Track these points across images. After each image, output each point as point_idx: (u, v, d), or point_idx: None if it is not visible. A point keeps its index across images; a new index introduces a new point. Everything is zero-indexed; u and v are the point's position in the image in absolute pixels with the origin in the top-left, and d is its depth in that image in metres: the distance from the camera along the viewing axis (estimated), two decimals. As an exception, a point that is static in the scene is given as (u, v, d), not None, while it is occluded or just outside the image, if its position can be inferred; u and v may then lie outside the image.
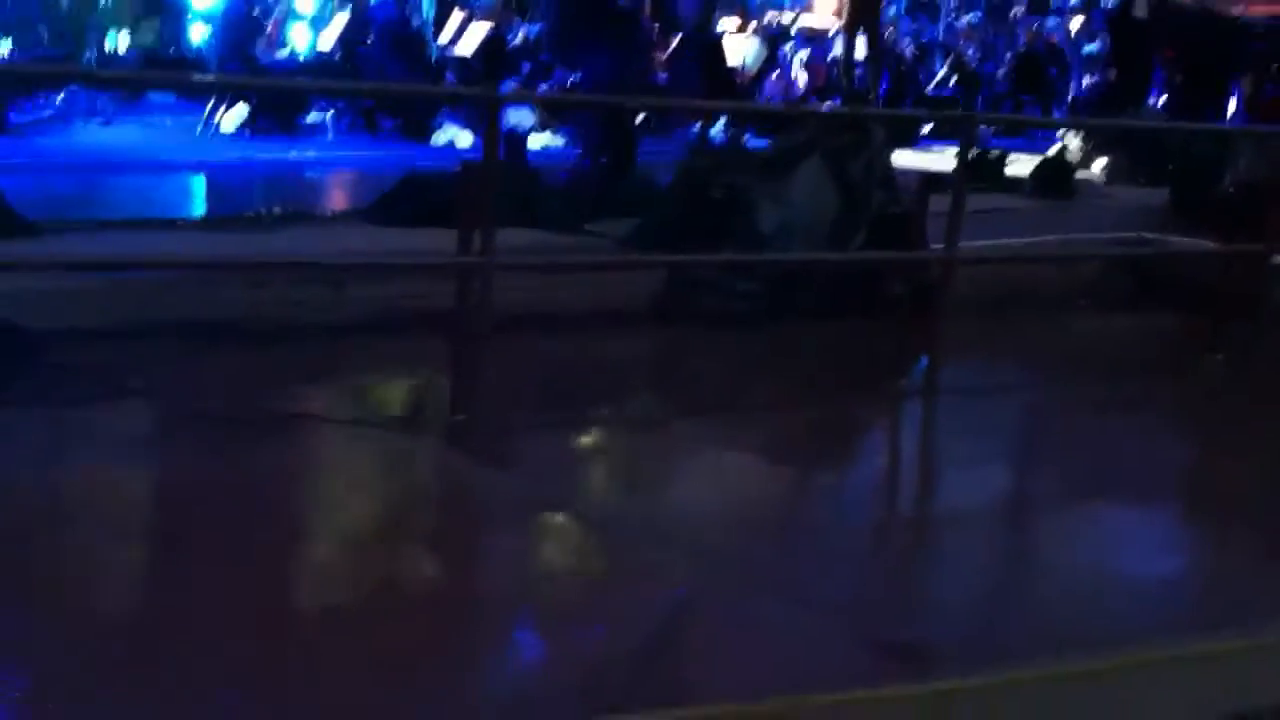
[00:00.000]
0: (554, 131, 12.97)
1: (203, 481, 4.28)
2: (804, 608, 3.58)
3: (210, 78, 12.59)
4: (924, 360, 5.98)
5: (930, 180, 7.20)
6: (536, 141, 11.94)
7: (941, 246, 6.15)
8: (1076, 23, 17.59)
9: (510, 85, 12.12)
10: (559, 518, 4.27)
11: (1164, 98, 13.99)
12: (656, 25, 14.43)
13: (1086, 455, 5.18)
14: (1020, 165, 11.06)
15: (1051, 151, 11.32)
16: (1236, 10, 15.92)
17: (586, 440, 5.14)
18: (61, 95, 12.85)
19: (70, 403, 4.85)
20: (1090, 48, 16.50)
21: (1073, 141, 12.36)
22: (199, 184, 9.98)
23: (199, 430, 4.74)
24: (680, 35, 14.65)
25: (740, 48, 14.99)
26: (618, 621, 3.44)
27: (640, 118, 13.03)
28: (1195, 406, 6.07)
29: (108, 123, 12.21)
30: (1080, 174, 11.20)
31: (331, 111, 13.07)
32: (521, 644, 3.47)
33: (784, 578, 3.70)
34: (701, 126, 14.19)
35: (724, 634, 3.40)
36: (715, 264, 6.76)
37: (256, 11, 13.69)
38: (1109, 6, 15.90)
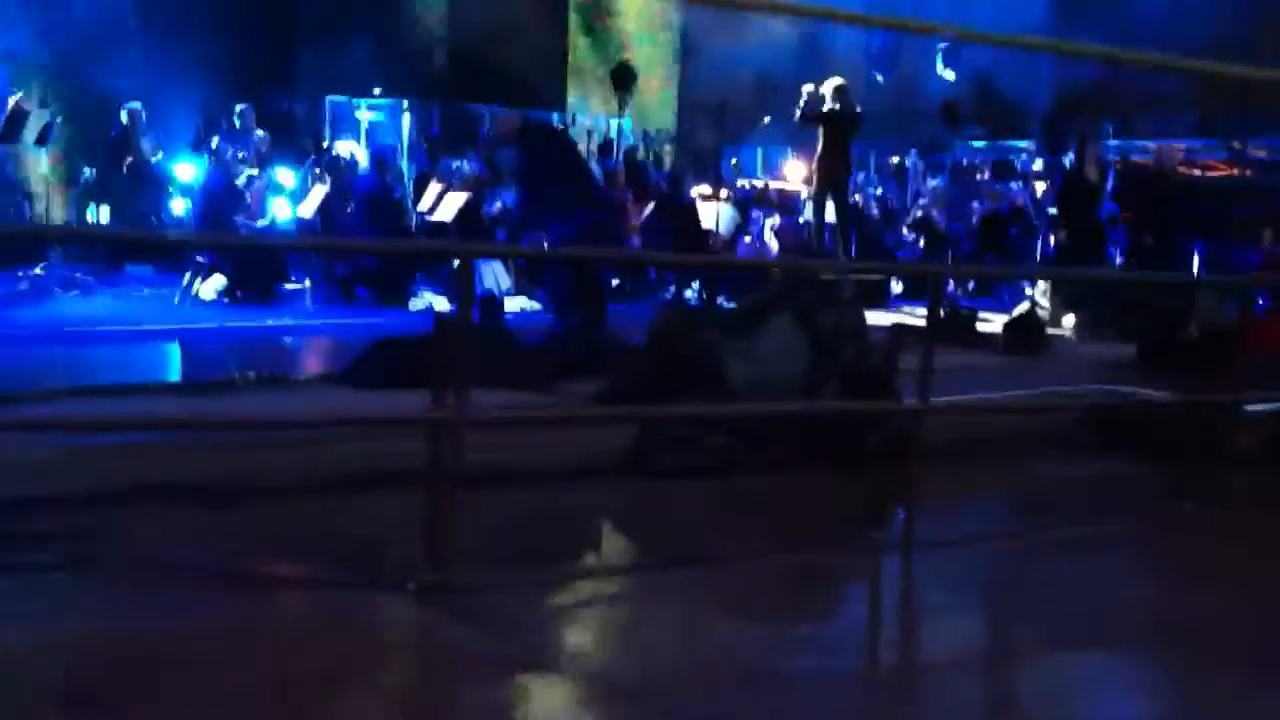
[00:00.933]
0: (529, 296, 13.14)
1: (165, 643, 4.23)
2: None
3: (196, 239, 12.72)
4: (896, 510, 5.99)
5: (901, 331, 7.28)
6: (512, 305, 12.10)
7: (914, 400, 6.19)
8: (1039, 186, 18.05)
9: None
10: (531, 676, 4.20)
11: (1124, 257, 14.32)
12: (630, 191, 14.78)
13: (1063, 601, 5.15)
14: (990, 325, 11.24)
15: (1021, 309, 11.49)
16: (1193, 170, 16.40)
17: (558, 596, 5.09)
18: (38, 268, 12.99)
19: (27, 569, 4.80)
20: (1053, 209, 16.88)
21: (1041, 299, 12.59)
22: (175, 351, 10.01)
23: (163, 591, 4.70)
24: (653, 201, 14.95)
25: (712, 212, 15.29)
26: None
27: (615, 282, 13.28)
28: (1166, 550, 6.07)
29: (86, 294, 12.31)
30: (1050, 330, 11.40)
31: (308, 281, 13.22)
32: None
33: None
34: (675, 289, 14.40)
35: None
36: (684, 418, 6.78)
37: (239, 182, 13.90)
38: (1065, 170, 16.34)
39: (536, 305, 13.12)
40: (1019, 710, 4.29)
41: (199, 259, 12.83)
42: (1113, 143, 18.51)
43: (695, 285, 14.47)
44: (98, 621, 4.46)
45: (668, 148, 20.31)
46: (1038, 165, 18.84)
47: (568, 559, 5.58)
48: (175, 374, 9.08)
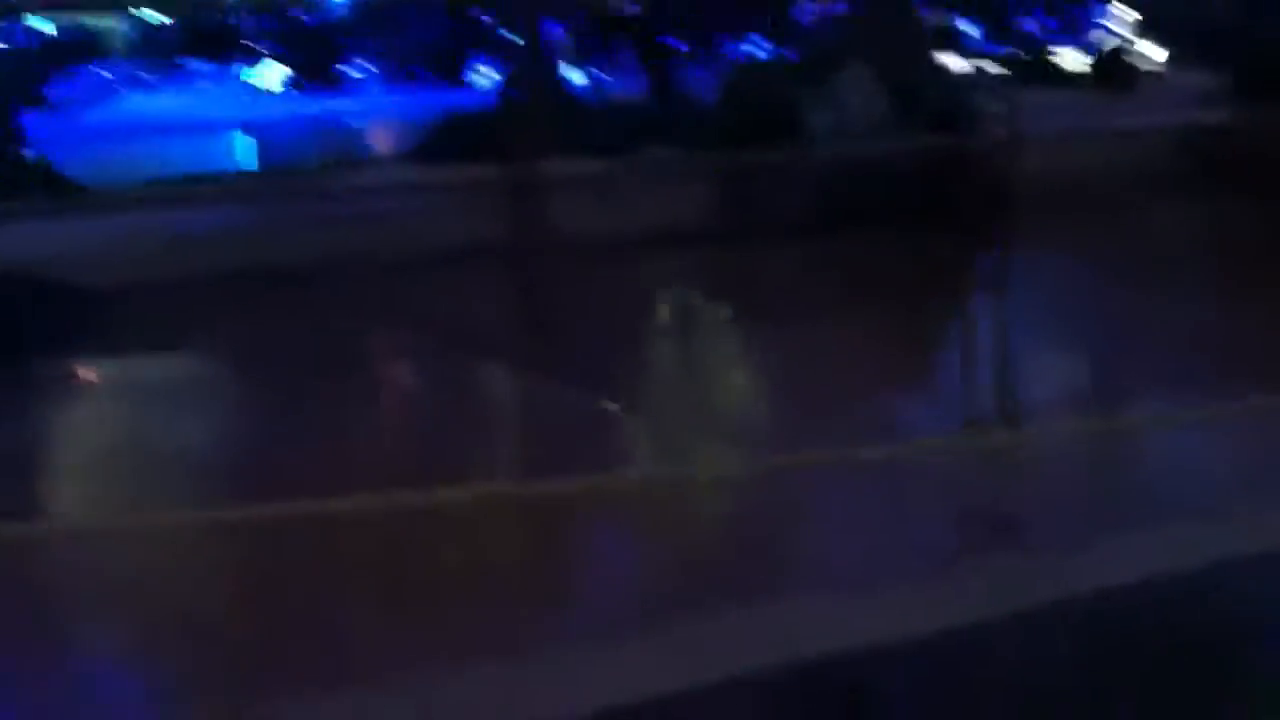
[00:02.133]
0: (592, 65, 12.82)
1: (273, 416, 4.28)
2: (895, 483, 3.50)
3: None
4: (989, 256, 5.81)
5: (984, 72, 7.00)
6: (578, 76, 11.83)
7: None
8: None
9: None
10: (633, 427, 4.19)
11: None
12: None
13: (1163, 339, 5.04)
14: (1073, 62, 10.83)
15: (1109, 46, 11.04)
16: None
17: (656, 352, 5.06)
18: (102, 69, 12.89)
19: (134, 349, 4.84)
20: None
21: (1128, 33, 12.08)
22: (246, 142, 9.94)
23: (264, 373, 4.73)
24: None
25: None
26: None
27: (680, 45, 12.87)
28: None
29: (150, 91, 12.22)
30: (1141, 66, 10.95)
31: (369, 64, 13.00)
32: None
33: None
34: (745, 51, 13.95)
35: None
36: (770, 174, 6.61)
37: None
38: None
39: (604, 76, 12.82)
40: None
41: (257, 48, 12.67)
42: None
43: (763, 45, 14.01)
44: (203, 401, 4.52)
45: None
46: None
47: (658, 318, 5.49)
48: (252, 163, 9.02)
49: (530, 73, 5.13)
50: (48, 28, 12.81)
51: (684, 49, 12.76)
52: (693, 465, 3.81)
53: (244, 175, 7.86)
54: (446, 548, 3.16)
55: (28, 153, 7.05)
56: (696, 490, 3.58)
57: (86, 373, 4.74)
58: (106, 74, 12.76)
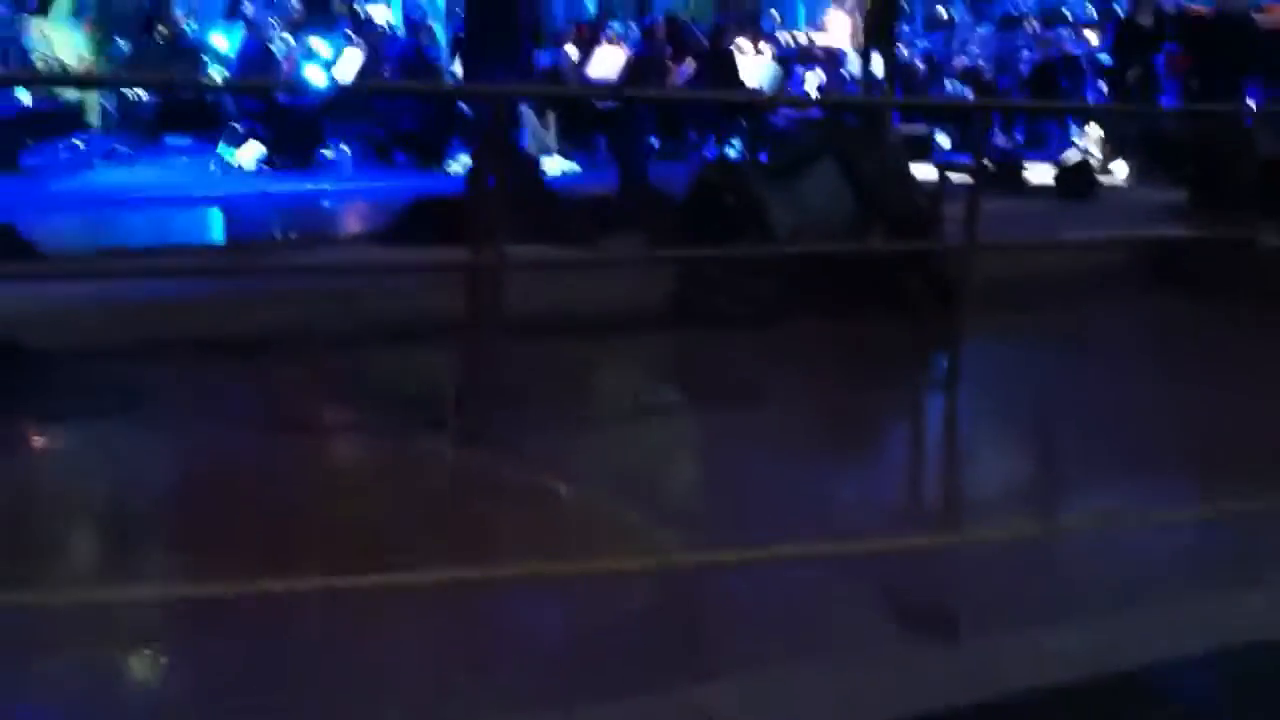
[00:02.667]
0: (567, 157, 12.99)
1: (217, 486, 4.28)
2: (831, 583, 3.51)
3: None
4: (942, 351, 5.89)
5: (947, 174, 7.10)
6: (551, 166, 11.96)
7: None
8: (1090, 34, 17.53)
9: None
10: (571, 505, 4.20)
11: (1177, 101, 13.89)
12: (670, 47, 14.49)
13: (1110, 436, 5.09)
14: (1039, 174, 11.02)
15: (1071, 155, 11.25)
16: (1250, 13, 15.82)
17: (597, 433, 5.07)
18: (79, 140, 12.95)
19: (85, 415, 4.84)
20: (1106, 57, 16.41)
21: (1093, 148, 12.32)
22: (215, 215, 10.00)
23: (211, 436, 4.74)
24: (693, 57, 14.65)
25: (754, 68, 14.97)
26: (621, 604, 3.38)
27: (655, 142, 13.09)
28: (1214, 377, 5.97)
29: (125, 164, 12.29)
30: (1101, 178, 11.16)
31: (345, 146, 13.12)
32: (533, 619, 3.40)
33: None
34: (716, 148, 14.18)
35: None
36: (726, 264, 6.69)
37: (271, 49, 13.73)
38: (1121, 16, 15.83)
39: (576, 167, 12.99)
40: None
41: (236, 127, 12.76)
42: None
43: (735, 144, 14.25)
44: (152, 463, 4.52)
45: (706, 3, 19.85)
46: (1090, 13, 18.31)
47: (606, 402, 5.56)
48: (219, 236, 9.07)
49: (501, 160, 5.19)
50: (26, 98, 12.87)
51: (656, 144, 12.98)
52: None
53: (210, 248, 7.88)
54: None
55: (-7, 217, 7.07)
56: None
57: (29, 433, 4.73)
58: (82, 145, 12.80)
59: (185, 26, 15.27)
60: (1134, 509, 4.32)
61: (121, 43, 15.72)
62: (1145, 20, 14.18)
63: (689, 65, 14.67)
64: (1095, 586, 3.67)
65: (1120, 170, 11.69)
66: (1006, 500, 4.58)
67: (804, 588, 3.55)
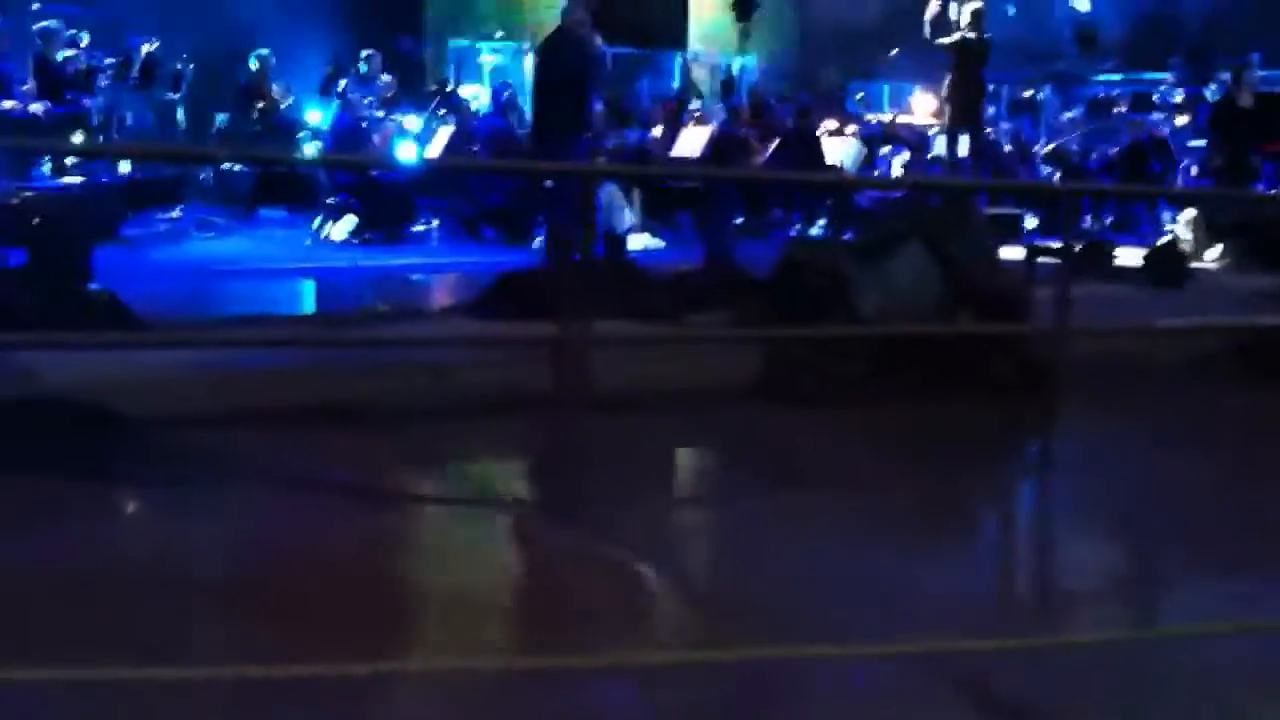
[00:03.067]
0: (653, 234, 13.09)
1: (312, 553, 4.32)
2: (909, 673, 3.45)
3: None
4: (1028, 438, 5.82)
5: (1036, 255, 7.03)
6: (636, 243, 12.05)
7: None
8: (1181, 118, 17.39)
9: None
10: (654, 590, 4.18)
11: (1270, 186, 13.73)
12: (755, 129, 14.60)
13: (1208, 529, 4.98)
14: (1130, 258, 10.89)
15: (1163, 240, 11.10)
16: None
17: (683, 515, 5.05)
18: (176, 211, 13.30)
19: (179, 483, 4.93)
20: (1196, 142, 16.27)
21: (1185, 232, 12.15)
22: (309, 287, 10.18)
23: (308, 507, 4.80)
24: (778, 138, 14.75)
25: (838, 149, 15.02)
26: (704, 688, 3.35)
27: (740, 220, 13.16)
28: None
29: (221, 236, 12.58)
30: (1194, 264, 10.99)
31: (436, 221, 13.34)
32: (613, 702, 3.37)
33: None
34: (801, 228, 14.23)
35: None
36: (813, 343, 6.67)
37: (364, 125, 14.03)
38: (1214, 100, 15.72)
39: (661, 243, 13.08)
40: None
41: (330, 201, 13.03)
42: (1260, 73, 17.75)
43: (821, 223, 14.28)
44: (242, 530, 4.58)
45: (790, 84, 20.00)
46: (1178, 97, 18.16)
47: (692, 482, 5.55)
48: (310, 307, 9.23)
49: (587, 236, 5.26)
50: (126, 169, 13.25)
51: (740, 220, 13.04)
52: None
53: (303, 319, 8.01)
54: None
55: (94, 286, 7.26)
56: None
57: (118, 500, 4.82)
58: (179, 215, 13.14)
59: (282, 101, 15.67)
60: (1227, 611, 4.20)
61: (220, 116, 16.19)
62: (1238, 103, 14.07)
63: (773, 144, 14.77)
64: (1188, 695, 3.57)
65: (1213, 256, 11.51)
66: (1097, 598, 4.48)
67: (886, 686, 3.48)
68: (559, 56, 9.48)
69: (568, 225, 8.39)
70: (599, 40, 9.65)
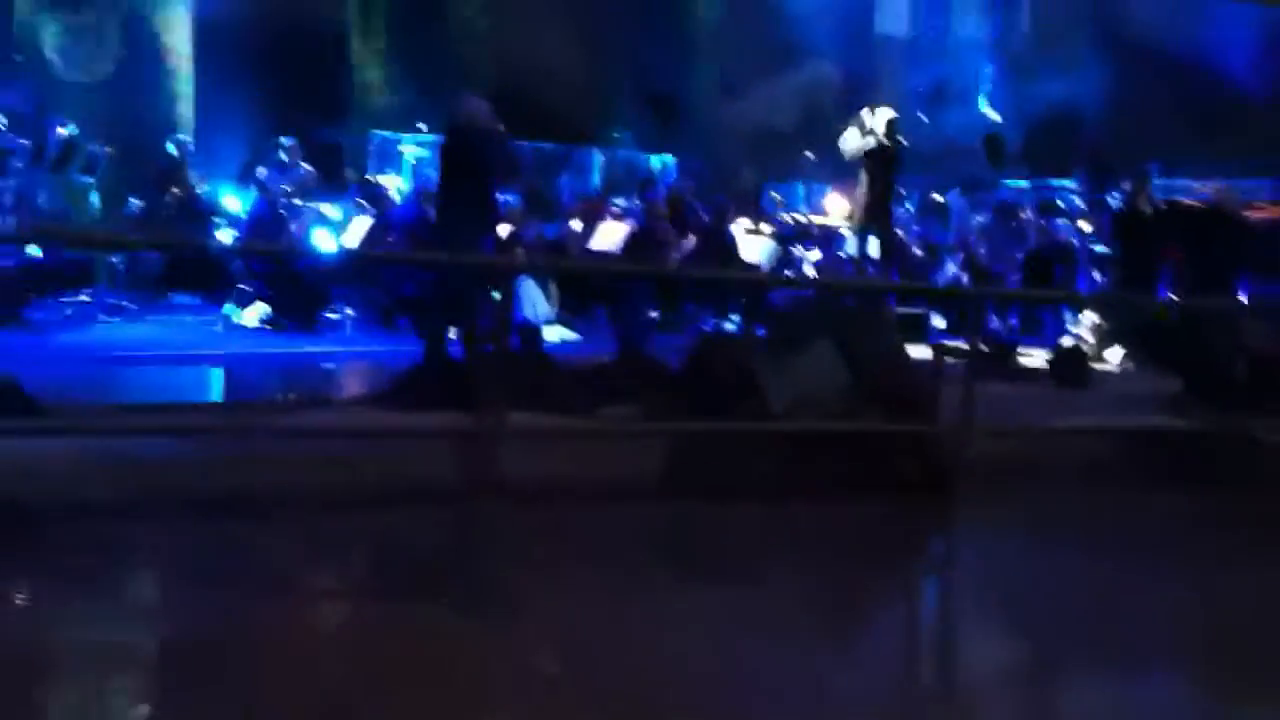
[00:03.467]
0: (568, 326, 13.14)
1: (205, 646, 4.25)
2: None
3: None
4: (938, 537, 5.90)
5: (943, 355, 7.19)
6: (551, 335, 12.08)
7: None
8: (1085, 224, 17.89)
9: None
10: (563, 689, 4.15)
11: (1174, 293, 14.13)
12: (671, 223, 14.78)
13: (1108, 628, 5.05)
14: (1034, 360, 11.14)
15: (1066, 342, 11.37)
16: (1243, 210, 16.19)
17: (590, 609, 5.01)
18: (84, 295, 13.12)
19: (73, 572, 4.82)
20: (1100, 247, 16.74)
21: (1087, 334, 12.47)
22: (216, 374, 10.06)
23: (202, 598, 4.71)
24: (695, 235, 14.93)
25: (754, 247, 15.24)
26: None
27: (654, 314, 13.26)
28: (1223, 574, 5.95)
29: (130, 320, 12.41)
30: (1096, 365, 11.27)
31: (350, 309, 13.29)
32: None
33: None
34: (714, 322, 14.36)
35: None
36: (722, 439, 6.73)
37: (282, 213, 13.99)
38: (1117, 208, 16.20)
39: (576, 336, 13.13)
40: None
41: (243, 287, 12.93)
42: (1157, 182, 18.35)
43: (734, 319, 14.43)
44: (146, 624, 4.48)
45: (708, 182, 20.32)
46: (1081, 203, 18.70)
47: (601, 573, 5.52)
48: (218, 395, 9.11)
49: (499, 329, 5.28)
50: (34, 252, 13.07)
51: (655, 315, 13.14)
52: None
53: (210, 407, 7.91)
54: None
55: (-5, 370, 7.11)
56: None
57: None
58: (88, 300, 12.96)
59: (198, 187, 15.59)
60: (1125, 709, 4.26)
61: (133, 201, 16.05)
62: (1139, 211, 14.51)
63: (690, 240, 14.94)
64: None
65: (1114, 358, 11.81)
66: (993, 694, 4.53)
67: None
68: (459, 149, 9.38)
69: (481, 317, 8.40)
70: (501, 129, 9.59)
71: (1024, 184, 20.43)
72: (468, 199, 8.95)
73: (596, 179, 19.77)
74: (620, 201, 16.59)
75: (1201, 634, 5.09)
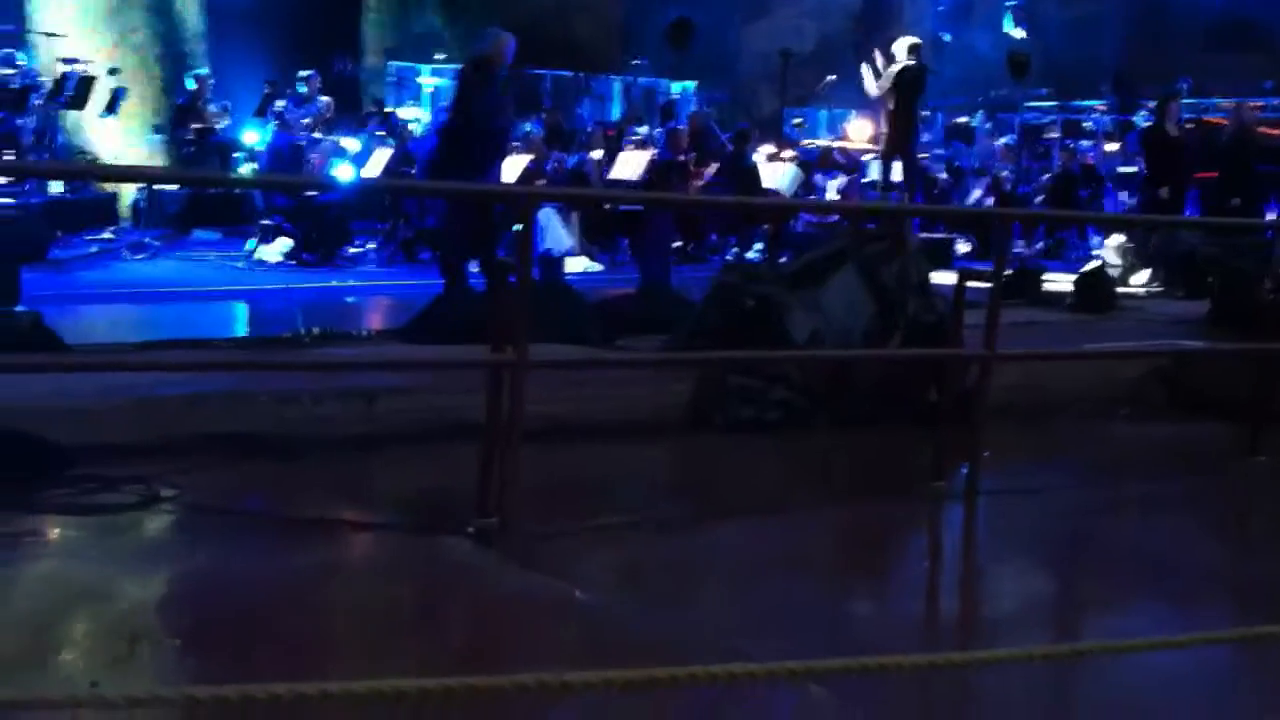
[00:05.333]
0: (591, 257, 13.11)
1: (231, 583, 4.29)
2: (842, 702, 3.47)
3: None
4: (958, 464, 5.87)
5: (967, 279, 7.12)
6: (574, 265, 12.06)
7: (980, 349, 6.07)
8: (1111, 145, 17.70)
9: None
10: (580, 618, 4.18)
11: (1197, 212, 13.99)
12: (693, 154, 14.67)
13: (1130, 558, 5.05)
14: (1059, 284, 11.05)
15: (1091, 266, 11.27)
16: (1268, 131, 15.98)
17: (611, 543, 5.04)
18: (108, 233, 13.16)
19: (100, 509, 4.86)
20: (1126, 168, 16.56)
21: (1113, 258, 12.35)
22: (241, 310, 10.09)
23: (228, 534, 4.76)
24: (716, 163, 14.83)
25: (776, 174, 15.13)
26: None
27: (677, 244, 13.21)
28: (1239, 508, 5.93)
29: (154, 258, 12.43)
30: (1121, 289, 11.17)
31: (372, 244, 13.28)
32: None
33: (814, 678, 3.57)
34: (737, 252, 14.31)
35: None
36: (746, 371, 6.71)
37: (301, 146, 13.93)
38: (1143, 127, 15.99)
39: (598, 266, 13.11)
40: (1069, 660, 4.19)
41: (265, 222, 12.93)
42: (1186, 101, 18.10)
43: (757, 248, 14.37)
44: (172, 562, 4.53)
45: (729, 109, 20.14)
46: (1108, 124, 18.49)
47: (623, 508, 5.55)
48: (241, 330, 9.14)
49: (522, 259, 5.24)
50: (57, 190, 13.10)
51: (677, 244, 13.09)
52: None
53: (231, 342, 7.93)
54: None
55: (20, 309, 7.16)
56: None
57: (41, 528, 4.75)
58: (111, 237, 13.00)
59: (218, 122, 15.55)
60: (1147, 632, 4.26)
61: (155, 137, 16.04)
62: (1166, 131, 14.31)
63: (711, 169, 14.84)
64: (1113, 712, 3.62)
65: (1140, 281, 11.71)
66: (1017, 618, 4.54)
67: (814, 706, 3.50)
68: (473, 90, 9.32)
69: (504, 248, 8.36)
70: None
71: (1050, 105, 20.19)
72: (474, 143, 8.91)
73: (617, 108, 19.63)
74: (641, 130, 16.49)
75: (1233, 561, 5.09)
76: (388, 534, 4.89)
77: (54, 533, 4.69)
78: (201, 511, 4.99)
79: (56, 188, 13.57)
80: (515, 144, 14.59)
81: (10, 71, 13.78)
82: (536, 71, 18.65)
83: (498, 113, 9.13)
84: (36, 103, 13.59)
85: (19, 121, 13.19)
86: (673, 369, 6.95)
